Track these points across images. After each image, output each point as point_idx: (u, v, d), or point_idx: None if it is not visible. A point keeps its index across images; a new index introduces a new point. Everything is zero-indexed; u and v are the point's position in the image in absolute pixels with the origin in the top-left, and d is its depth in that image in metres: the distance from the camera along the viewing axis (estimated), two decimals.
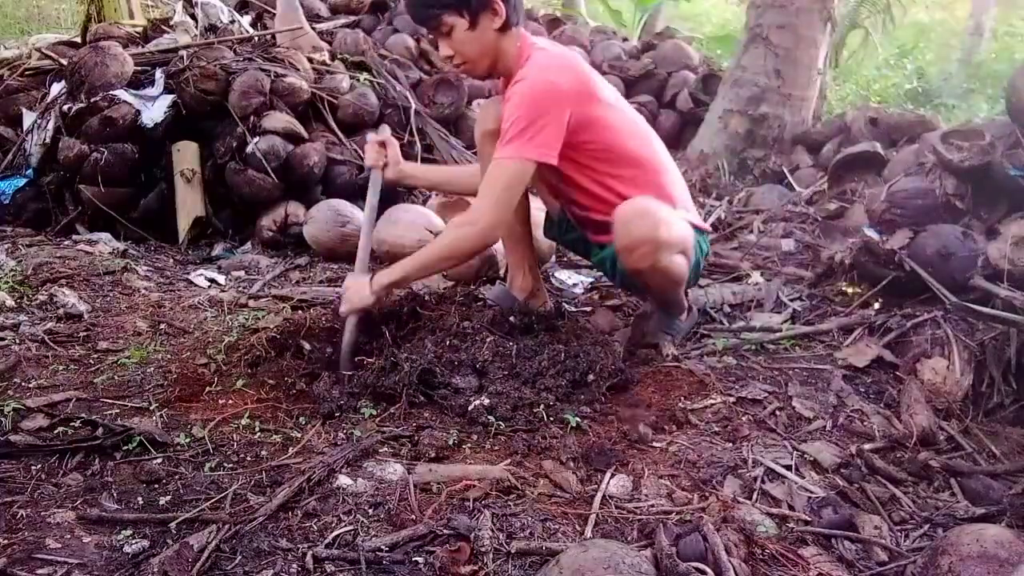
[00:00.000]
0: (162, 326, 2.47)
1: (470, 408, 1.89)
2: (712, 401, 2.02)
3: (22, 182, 3.58)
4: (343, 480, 1.60)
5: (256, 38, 4.32)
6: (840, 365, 2.24)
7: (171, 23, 4.64)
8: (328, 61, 4.32)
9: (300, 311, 2.61)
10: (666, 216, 2.11)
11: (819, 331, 2.46)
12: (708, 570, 1.28)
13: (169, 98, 3.58)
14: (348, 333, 2.15)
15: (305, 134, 3.65)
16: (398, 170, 2.40)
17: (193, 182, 3.55)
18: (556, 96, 2.02)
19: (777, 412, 1.99)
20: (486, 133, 2.33)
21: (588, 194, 2.25)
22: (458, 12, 2.04)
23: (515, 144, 2.00)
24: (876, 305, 2.56)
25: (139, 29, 4.67)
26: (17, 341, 2.25)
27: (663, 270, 2.16)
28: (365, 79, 4.21)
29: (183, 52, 3.79)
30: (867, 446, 1.82)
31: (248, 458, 1.70)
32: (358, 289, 2.14)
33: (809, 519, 1.56)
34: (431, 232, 3.21)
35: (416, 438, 1.79)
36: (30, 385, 2.01)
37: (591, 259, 2.54)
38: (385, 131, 2.52)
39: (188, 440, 1.75)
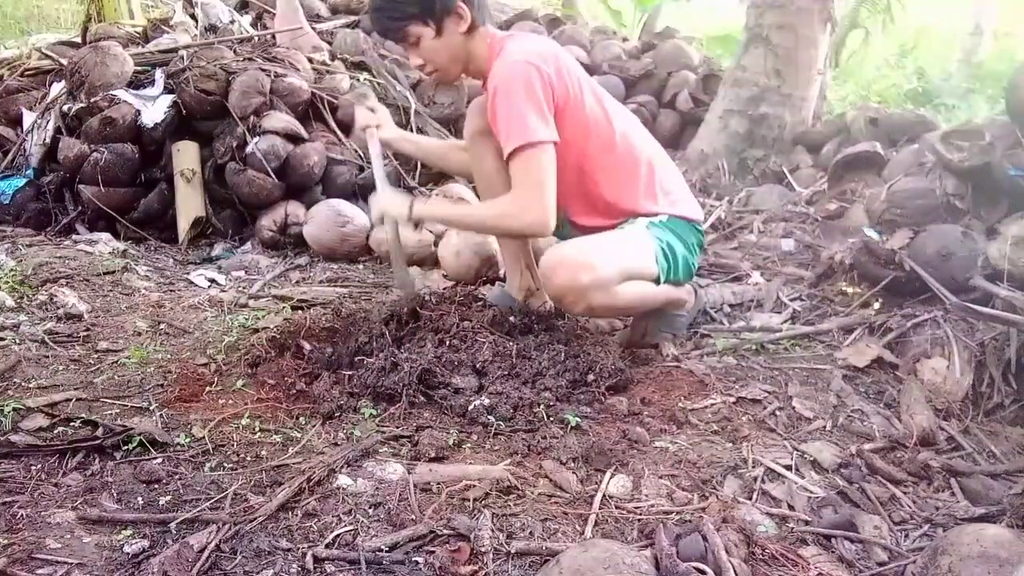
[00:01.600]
0: (162, 326, 2.47)
1: (470, 408, 1.89)
2: (712, 401, 2.02)
3: (22, 182, 3.57)
4: (343, 480, 1.60)
5: (256, 38, 4.32)
6: (840, 365, 2.24)
7: (171, 23, 4.64)
8: (328, 61, 4.32)
9: (300, 311, 2.61)
10: (589, 258, 2.05)
11: (819, 331, 2.46)
12: (708, 570, 1.28)
13: (169, 98, 3.58)
14: (394, 245, 2.27)
15: (305, 134, 3.65)
16: (391, 132, 2.42)
17: (193, 182, 3.55)
18: (535, 74, 2.01)
19: (777, 412, 1.99)
20: (475, 132, 2.32)
21: (565, 193, 2.22)
22: (422, 21, 2.06)
23: (519, 134, 1.99)
24: (876, 305, 2.56)
25: (139, 29, 4.67)
26: (17, 341, 2.25)
27: (606, 307, 2.13)
28: (365, 79, 4.21)
29: (183, 52, 3.79)
30: (867, 446, 1.82)
31: (248, 458, 1.70)
32: (394, 200, 2.17)
33: (809, 519, 1.56)
34: (431, 232, 3.21)
35: (416, 438, 1.79)
36: (30, 385, 2.01)
37: None
38: (370, 94, 2.50)
39: (188, 440, 1.75)
